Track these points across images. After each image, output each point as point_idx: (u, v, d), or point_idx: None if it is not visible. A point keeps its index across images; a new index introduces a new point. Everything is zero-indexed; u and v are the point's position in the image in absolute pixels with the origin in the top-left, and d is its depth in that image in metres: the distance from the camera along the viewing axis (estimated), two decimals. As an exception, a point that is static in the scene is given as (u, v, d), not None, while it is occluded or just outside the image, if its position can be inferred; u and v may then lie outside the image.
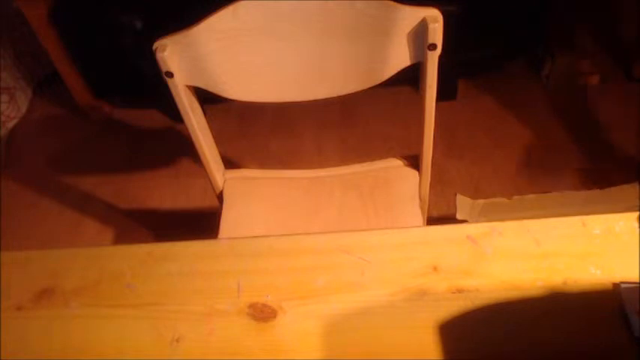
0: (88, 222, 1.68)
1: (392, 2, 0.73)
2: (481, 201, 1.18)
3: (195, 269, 0.59)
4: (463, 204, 1.19)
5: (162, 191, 1.74)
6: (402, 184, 0.98)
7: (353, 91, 0.86)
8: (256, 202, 0.99)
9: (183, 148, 1.83)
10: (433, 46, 0.76)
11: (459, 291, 0.54)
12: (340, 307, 0.54)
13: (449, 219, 1.43)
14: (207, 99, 0.90)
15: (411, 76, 0.85)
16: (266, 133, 1.90)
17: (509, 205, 1.18)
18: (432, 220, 1.42)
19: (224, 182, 1.01)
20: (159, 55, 0.76)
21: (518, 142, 1.75)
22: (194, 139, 0.90)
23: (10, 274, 0.60)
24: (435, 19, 0.73)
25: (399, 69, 0.81)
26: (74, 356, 0.53)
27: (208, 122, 0.93)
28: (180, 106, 0.84)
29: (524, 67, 2.00)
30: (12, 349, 0.54)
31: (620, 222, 0.58)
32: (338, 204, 0.97)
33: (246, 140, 1.87)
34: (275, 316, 0.54)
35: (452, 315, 0.52)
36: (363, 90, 0.85)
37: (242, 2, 0.74)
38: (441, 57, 0.78)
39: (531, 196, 1.17)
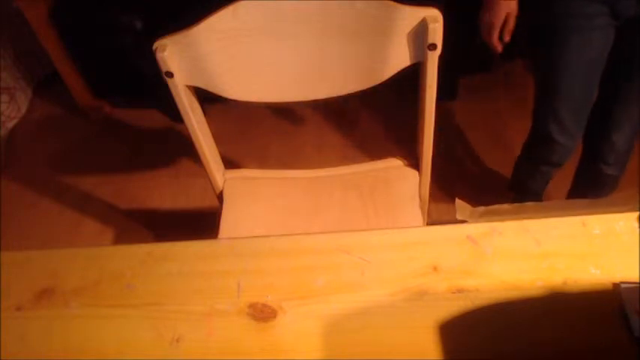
0: (88, 222, 1.68)
1: (392, 2, 0.73)
2: (481, 208, 1.17)
3: (195, 269, 0.59)
4: (462, 210, 1.18)
5: (162, 191, 1.74)
6: (402, 184, 0.98)
7: (353, 91, 0.86)
8: (256, 202, 0.99)
9: (184, 148, 1.83)
10: (433, 46, 0.76)
11: (459, 291, 0.54)
12: (340, 307, 0.54)
13: (449, 219, 1.43)
14: (207, 99, 0.90)
15: (411, 76, 0.85)
16: (266, 133, 1.90)
17: (508, 212, 1.18)
18: (432, 221, 1.42)
19: (224, 182, 1.01)
20: (159, 55, 0.76)
21: (519, 142, 1.75)
22: (194, 139, 0.90)
23: (10, 274, 0.60)
24: (435, 19, 0.73)
25: (399, 69, 0.81)
26: (74, 356, 0.53)
27: (208, 122, 0.93)
28: (180, 106, 0.84)
29: (524, 67, 2.00)
30: (12, 349, 0.54)
31: (620, 222, 0.58)
32: (338, 204, 0.97)
33: (246, 140, 1.87)
34: (275, 316, 0.54)
35: (452, 315, 0.52)
36: (363, 90, 0.85)
37: (242, 2, 0.74)
38: (440, 57, 0.78)
39: (531, 203, 1.17)
